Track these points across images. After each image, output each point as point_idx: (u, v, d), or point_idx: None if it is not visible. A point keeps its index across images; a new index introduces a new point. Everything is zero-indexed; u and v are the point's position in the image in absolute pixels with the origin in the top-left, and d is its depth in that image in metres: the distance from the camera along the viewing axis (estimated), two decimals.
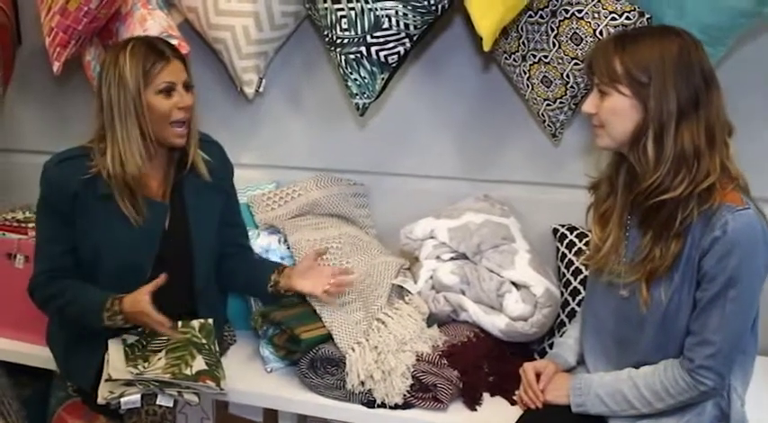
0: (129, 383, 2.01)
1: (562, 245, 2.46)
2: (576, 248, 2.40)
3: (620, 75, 1.65)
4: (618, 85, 1.66)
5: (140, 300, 1.99)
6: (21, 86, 3.10)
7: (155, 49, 2.06)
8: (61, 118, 3.11)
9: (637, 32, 1.75)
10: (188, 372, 2.03)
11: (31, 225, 2.73)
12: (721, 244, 1.60)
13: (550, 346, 2.35)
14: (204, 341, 2.13)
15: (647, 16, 2.11)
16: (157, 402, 2.00)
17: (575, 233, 2.45)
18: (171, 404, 2.02)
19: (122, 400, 1.99)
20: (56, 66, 2.55)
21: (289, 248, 2.45)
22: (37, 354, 2.47)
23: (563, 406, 1.86)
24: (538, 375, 1.95)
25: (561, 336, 2.31)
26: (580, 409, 1.81)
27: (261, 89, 2.68)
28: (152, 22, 2.50)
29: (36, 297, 2.16)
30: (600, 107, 1.70)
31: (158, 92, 2.04)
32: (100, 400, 2.01)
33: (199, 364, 2.06)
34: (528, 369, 1.97)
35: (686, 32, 1.69)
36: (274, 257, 2.43)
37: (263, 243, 2.46)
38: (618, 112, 1.67)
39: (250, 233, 2.47)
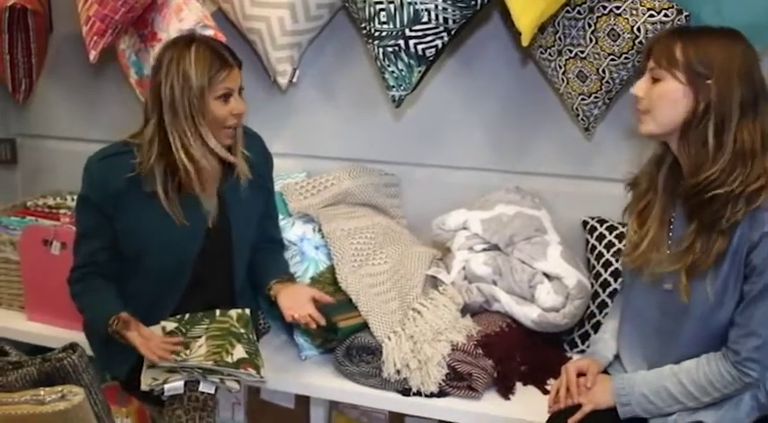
0: (171, 370, 2.04)
1: (592, 237, 2.49)
2: (606, 241, 2.44)
3: (680, 61, 1.67)
4: (675, 71, 1.68)
5: (137, 344, 2.04)
6: (52, 73, 3.13)
7: (220, 55, 2.07)
8: (92, 105, 3.14)
9: (702, 28, 1.77)
10: (229, 359, 2.06)
11: (63, 211, 2.77)
12: None
13: (581, 337, 2.39)
14: (243, 331, 2.17)
15: (685, 13, 2.13)
16: (200, 389, 2.03)
17: (604, 225, 2.48)
18: (213, 391, 2.05)
19: (166, 386, 2.02)
20: (92, 54, 2.56)
21: (323, 237, 2.47)
22: (72, 339, 2.48)
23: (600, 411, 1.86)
24: (579, 375, 1.96)
25: (591, 327, 2.36)
26: (626, 409, 1.81)
27: (294, 80, 2.70)
28: (187, 12, 2.52)
29: (71, 291, 2.20)
30: (649, 92, 1.72)
31: (217, 97, 2.07)
32: (143, 387, 2.03)
33: (239, 352, 2.09)
34: (570, 369, 1.98)
35: (747, 39, 1.71)
36: (309, 246, 2.46)
37: (298, 232, 2.48)
38: (669, 97, 1.69)
39: (285, 222, 2.50)
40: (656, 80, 1.71)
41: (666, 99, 1.70)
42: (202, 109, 2.05)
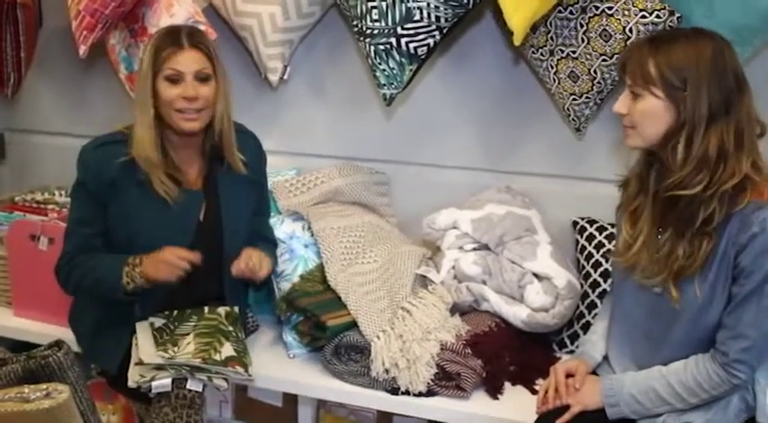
0: (159, 367, 2.04)
1: (582, 237, 2.49)
2: (595, 241, 2.44)
3: (655, 77, 1.66)
4: (652, 88, 1.67)
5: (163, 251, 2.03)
6: (41, 68, 3.12)
7: (172, 35, 2.07)
8: (80, 99, 3.12)
9: (670, 35, 1.76)
10: (217, 357, 2.06)
11: (50, 206, 2.76)
12: (760, 240, 1.62)
13: (570, 337, 2.40)
14: (231, 328, 2.17)
15: (677, 15, 2.13)
16: (187, 387, 2.03)
17: (594, 226, 2.48)
18: (200, 388, 2.05)
19: (153, 383, 2.02)
20: (82, 49, 2.54)
21: (312, 235, 2.46)
22: (60, 335, 2.47)
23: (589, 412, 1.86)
24: (568, 376, 1.95)
25: (580, 328, 2.36)
26: (615, 410, 1.81)
27: (285, 77, 2.69)
28: (178, 8, 2.50)
29: (60, 276, 2.19)
30: (632, 108, 1.72)
31: (164, 79, 2.06)
32: (131, 384, 2.03)
33: (227, 350, 2.09)
34: (559, 369, 1.97)
35: (718, 35, 1.70)
36: (299, 244, 2.45)
37: (287, 229, 2.47)
38: (651, 114, 1.69)
39: (274, 219, 2.49)
40: (636, 95, 1.71)
41: (649, 115, 1.69)
42: (153, 92, 2.05)
